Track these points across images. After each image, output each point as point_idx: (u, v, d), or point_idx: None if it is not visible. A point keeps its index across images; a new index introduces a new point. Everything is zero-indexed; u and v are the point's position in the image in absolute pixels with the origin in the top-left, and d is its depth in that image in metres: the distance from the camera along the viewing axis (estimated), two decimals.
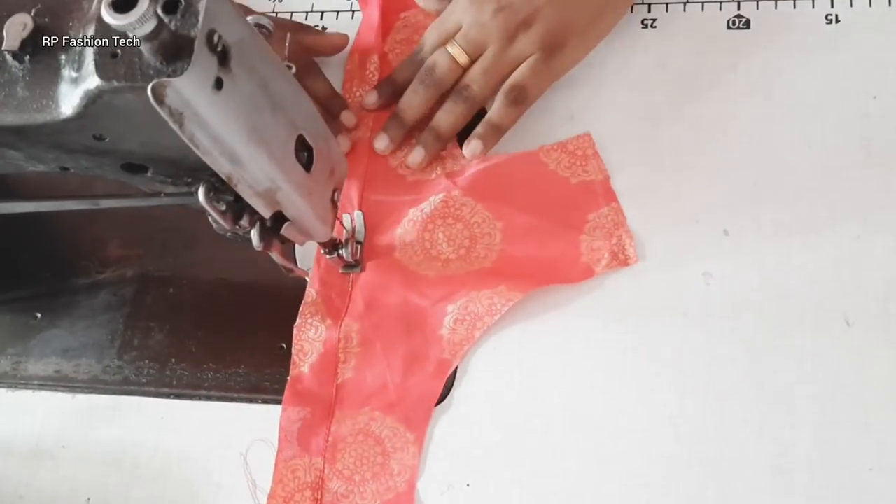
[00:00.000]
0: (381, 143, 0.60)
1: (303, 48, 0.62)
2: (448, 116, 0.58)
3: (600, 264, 0.55)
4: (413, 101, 0.59)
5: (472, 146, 0.58)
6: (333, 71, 0.65)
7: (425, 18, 0.65)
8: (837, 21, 0.59)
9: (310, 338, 0.57)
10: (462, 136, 0.60)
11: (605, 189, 0.57)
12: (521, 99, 0.57)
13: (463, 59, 0.58)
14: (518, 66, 0.57)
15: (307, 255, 0.60)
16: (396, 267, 0.57)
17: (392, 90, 0.62)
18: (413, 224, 0.57)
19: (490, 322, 0.54)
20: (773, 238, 0.54)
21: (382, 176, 0.60)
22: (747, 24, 0.60)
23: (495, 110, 0.58)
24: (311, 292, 0.58)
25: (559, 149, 0.58)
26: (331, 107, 0.62)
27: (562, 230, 0.56)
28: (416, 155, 0.59)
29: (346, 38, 0.65)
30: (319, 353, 0.56)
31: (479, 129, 0.58)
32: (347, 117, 0.62)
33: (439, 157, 0.60)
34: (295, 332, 0.57)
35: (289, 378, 0.56)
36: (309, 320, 0.57)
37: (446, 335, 0.55)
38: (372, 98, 0.62)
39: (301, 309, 0.57)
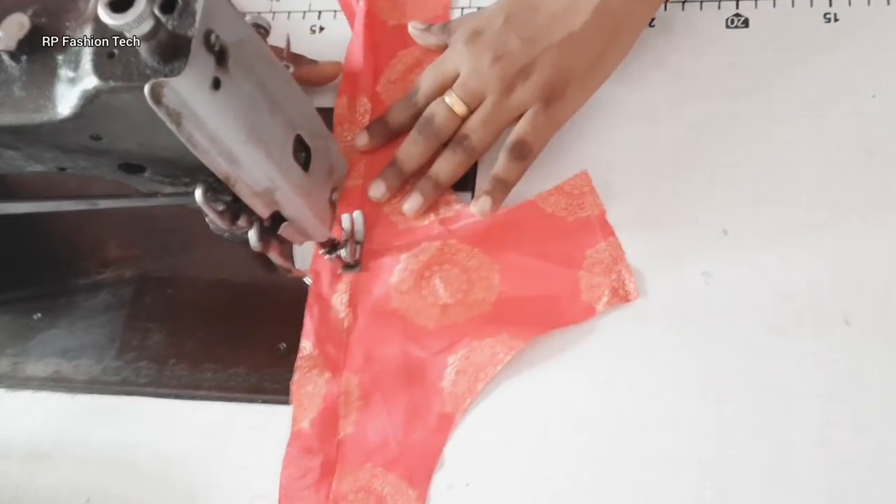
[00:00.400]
0: (378, 190, 0.59)
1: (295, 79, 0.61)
2: (447, 165, 0.57)
3: (601, 302, 0.54)
4: (412, 152, 0.58)
5: (480, 203, 0.56)
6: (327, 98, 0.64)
7: (422, 56, 0.63)
8: (836, 20, 0.59)
9: (309, 393, 0.55)
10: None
11: (601, 223, 0.56)
12: (524, 154, 0.56)
13: (461, 109, 0.57)
14: (517, 115, 0.56)
15: (306, 256, 0.59)
16: (394, 317, 0.56)
17: (384, 132, 0.60)
18: (409, 272, 0.56)
19: (493, 372, 0.53)
20: (772, 237, 0.54)
21: (375, 223, 0.59)
22: (746, 23, 0.60)
23: (501, 167, 0.56)
24: (306, 346, 0.56)
25: (556, 192, 0.57)
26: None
27: (560, 268, 0.55)
28: (413, 202, 0.58)
29: (338, 66, 0.64)
30: (320, 409, 0.55)
31: (487, 185, 0.56)
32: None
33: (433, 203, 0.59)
34: (293, 388, 0.55)
35: (289, 435, 0.54)
36: (307, 374, 0.56)
37: (447, 388, 0.54)
38: (363, 139, 0.61)
39: (298, 363, 0.56)
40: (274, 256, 0.52)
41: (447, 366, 0.54)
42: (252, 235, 0.48)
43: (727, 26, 0.60)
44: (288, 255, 0.59)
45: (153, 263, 0.63)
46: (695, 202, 0.56)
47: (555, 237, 0.56)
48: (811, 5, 0.59)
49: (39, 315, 0.63)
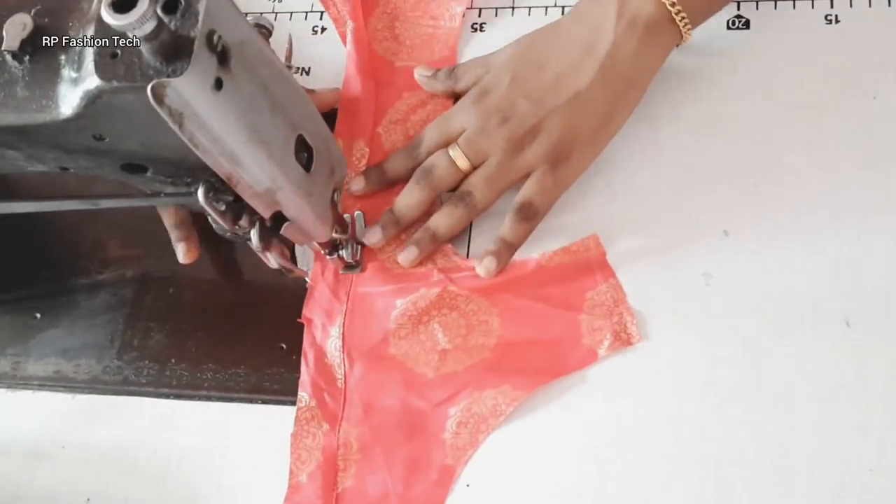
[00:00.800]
0: (374, 237, 0.57)
1: None
2: (447, 220, 0.57)
3: (603, 346, 0.53)
4: (409, 202, 0.57)
5: (485, 264, 0.55)
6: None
7: (426, 97, 0.63)
8: (837, 21, 0.59)
9: (307, 445, 0.54)
10: None
11: (601, 265, 0.55)
12: (531, 216, 0.56)
13: (464, 163, 0.56)
14: (522, 175, 0.56)
15: (307, 256, 0.59)
16: (393, 364, 0.55)
17: (381, 179, 0.60)
18: (407, 318, 0.55)
19: (495, 424, 0.52)
20: (773, 238, 0.54)
21: (366, 264, 0.58)
22: (747, 25, 0.60)
23: (507, 228, 0.56)
24: (303, 397, 0.55)
25: (562, 253, 0.56)
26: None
27: (560, 311, 0.54)
28: (409, 254, 0.57)
29: (337, 92, 0.63)
30: (318, 462, 0.54)
31: (492, 246, 0.56)
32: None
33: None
34: (292, 440, 0.54)
35: (287, 489, 0.53)
36: (305, 427, 0.55)
37: (449, 439, 0.53)
38: (359, 184, 0.60)
39: (296, 415, 0.55)
40: (275, 257, 0.52)
41: (448, 417, 0.53)
42: (254, 235, 0.48)
43: (728, 27, 0.60)
44: (289, 256, 0.59)
45: (154, 263, 0.63)
46: (695, 203, 0.56)
47: (554, 279, 0.55)
48: (812, 7, 0.59)
49: (40, 315, 0.63)
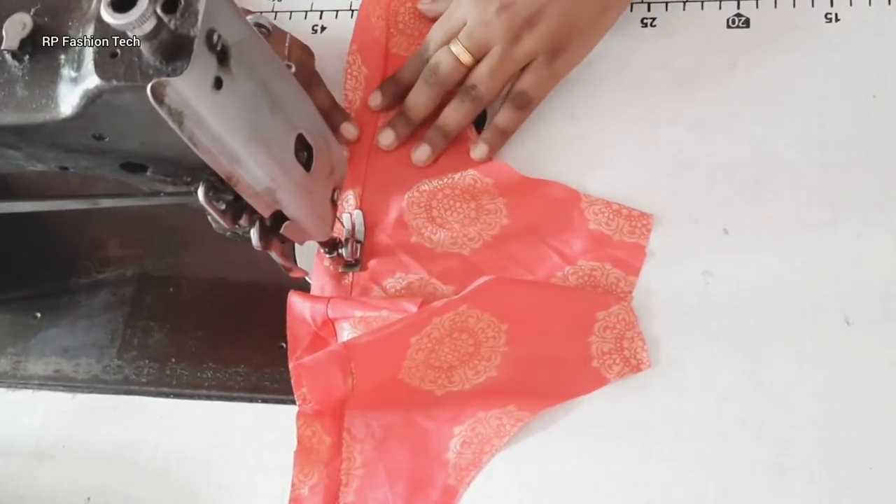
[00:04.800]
0: (387, 138, 0.60)
1: (305, 55, 0.61)
2: (455, 115, 0.59)
3: (612, 371, 0.52)
4: (419, 100, 0.59)
5: (479, 150, 0.58)
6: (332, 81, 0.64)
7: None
8: (837, 20, 0.59)
9: (310, 458, 0.54)
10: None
11: (630, 290, 0.54)
12: (526, 104, 0.58)
13: (466, 58, 0.57)
14: (523, 65, 0.57)
15: (307, 255, 0.59)
16: (399, 386, 0.54)
17: (396, 90, 0.61)
18: (422, 353, 0.54)
19: (499, 445, 0.52)
20: (773, 237, 0.54)
21: (382, 172, 0.60)
22: (747, 23, 0.60)
23: (502, 116, 0.58)
24: (303, 407, 0.54)
25: (608, 209, 0.56)
26: (332, 118, 0.61)
27: (570, 330, 0.53)
28: (422, 152, 0.59)
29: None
30: (321, 475, 0.53)
31: (485, 133, 0.59)
32: (348, 129, 0.61)
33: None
34: (295, 455, 0.54)
35: (289, 501, 0.53)
36: (310, 439, 0.54)
37: (452, 459, 0.52)
38: (376, 99, 0.62)
39: (298, 432, 0.54)
40: (275, 256, 0.52)
41: (453, 436, 0.53)
42: (254, 235, 0.48)
43: (728, 26, 0.60)
44: (289, 255, 0.59)
45: (154, 262, 0.63)
46: (695, 201, 0.56)
47: (567, 297, 0.55)
48: (812, 5, 0.59)
49: (40, 314, 0.63)
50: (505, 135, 0.59)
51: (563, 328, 0.54)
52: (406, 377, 0.54)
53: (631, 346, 0.53)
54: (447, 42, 0.59)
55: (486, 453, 0.52)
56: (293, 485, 0.53)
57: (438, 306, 0.54)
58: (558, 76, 0.59)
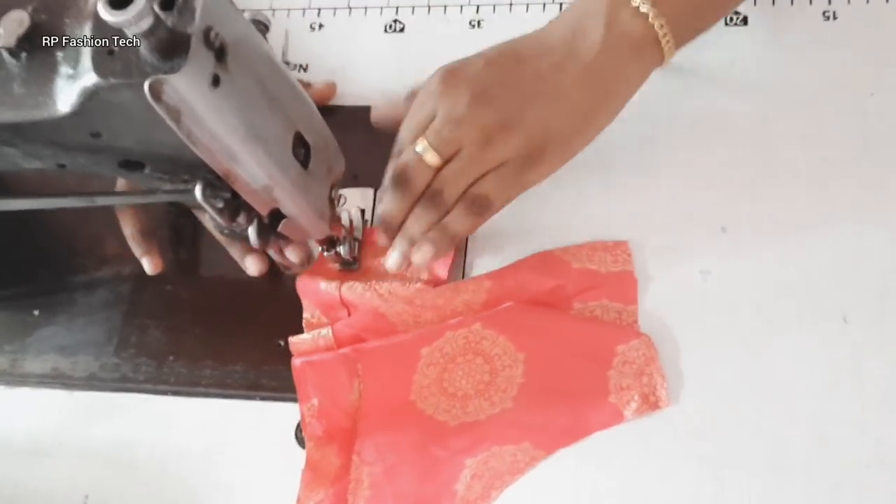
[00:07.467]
0: (389, 260, 0.54)
1: None
2: (419, 225, 0.53)
3: (630, 408, 0.51)
4: (392, 210, 0.54)
5: (423, 251, 0.53)
6: None
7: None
8: (835, 18, 0.59)
9: (318, 476, 0.53)
10: None
11: (634, 320, 0.54)
12: (484, 210, 0.53)
13: (433, 159, 0.52)
14: (492, 169, 0.52)
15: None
16: (412, 412, 0.53)
17: (391, 229, 0.56)
18: (433, 367, 0.54)
19: (510, 481, 0.51)
20: (770, 235, 0.54)
21: (370, 319, 0.56)
22: (745, 21, 0.60)
23: (454, 217, 0.53)
24: (312, 423, 0.54)
25: (589, 248, 0.56)
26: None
27: (588, 364, 0.52)
28: (392, 260, 0.54)
29: (333, 87, 0.62)
30: (327, 493, 0.53)
31: (433, 233, 0.53)
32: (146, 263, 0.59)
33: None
34: (302, 474, 0.53)
35: None
36: (317, 458, 0.53)
37: (461, 491, 0.51)
38: (383, 241, 0.56)
39: (307, 446, 0.54)
40: (273, 254, 0.52)
41: (464, 468, 0.51)
42: (251, 232, 0.48)
43: (726, 24, 0.60)
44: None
45: None
46: (693, 200, 0.56)
47: (586, 328, 0.53)
48: (810, 3, 0.59)
49: (38, 312, 0.63)
50: (454, 239, 0.53)
51: (582, 361, 0.52)
52: (419, 400, 0.54)
53: (650, 383, 0.51)
54: (416, 139, 0.53)
55: (497, 489, 0.51)
56: (298, 499, 0.53)
57: (453, 323, 0.54)
58: (525, 186, 0.53)
